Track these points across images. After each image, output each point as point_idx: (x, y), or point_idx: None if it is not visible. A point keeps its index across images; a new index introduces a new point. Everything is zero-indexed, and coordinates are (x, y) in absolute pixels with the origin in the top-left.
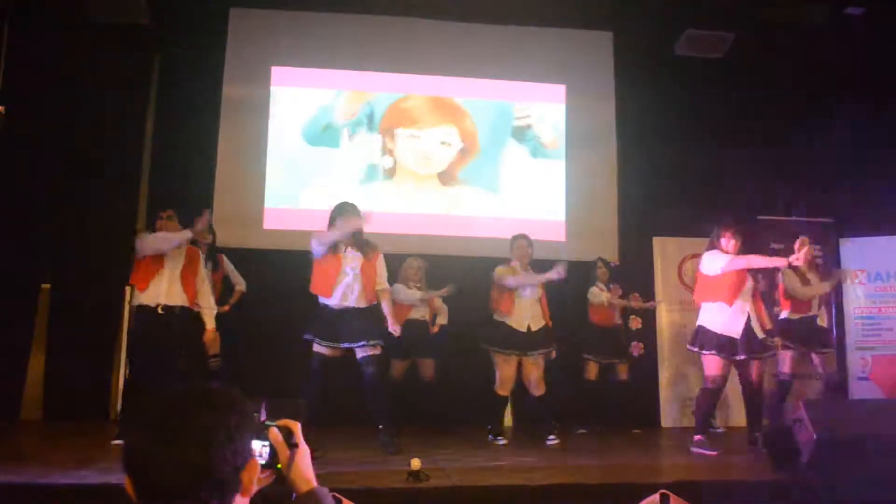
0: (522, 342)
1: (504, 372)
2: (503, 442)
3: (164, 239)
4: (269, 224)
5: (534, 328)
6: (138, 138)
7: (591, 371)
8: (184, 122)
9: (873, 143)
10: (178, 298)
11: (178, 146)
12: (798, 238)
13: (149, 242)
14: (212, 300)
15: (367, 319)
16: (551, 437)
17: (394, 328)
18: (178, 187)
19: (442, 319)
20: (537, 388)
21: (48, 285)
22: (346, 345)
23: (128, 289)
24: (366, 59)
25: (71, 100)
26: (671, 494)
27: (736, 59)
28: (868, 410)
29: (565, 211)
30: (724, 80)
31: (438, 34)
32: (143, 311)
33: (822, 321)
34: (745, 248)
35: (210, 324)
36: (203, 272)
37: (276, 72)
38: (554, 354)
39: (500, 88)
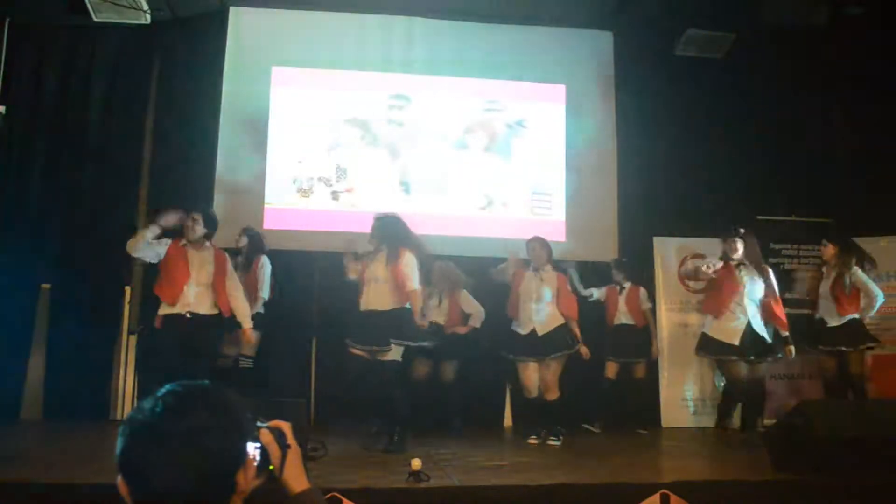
0: (529, 347)
1: (522, 377)
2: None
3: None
4: (269, 224)
5: (541, 332)
6: (138, 138)
7: (610, 371)
8: (184, 122)
9: (873, 143)
10: (205, 306)
11: (178, 146)
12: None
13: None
14: (244, 301)
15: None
16: (552, 438)
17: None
18: (178, 187)
19: (475, 323)
20: (549, 393)
21: (48, 285)
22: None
23: (128, 289)
24: (366, 59)
25: (71, 100)
26: (671, 494)
27: (736, 59)
28: (868, 410)
29: (565, 211)
30: (724, 80)
31: (438, 34)
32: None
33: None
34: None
35: (246, 323)
36: (233, 275)
37: (276, 72)
38: (586, 354)
39: (501, 88)
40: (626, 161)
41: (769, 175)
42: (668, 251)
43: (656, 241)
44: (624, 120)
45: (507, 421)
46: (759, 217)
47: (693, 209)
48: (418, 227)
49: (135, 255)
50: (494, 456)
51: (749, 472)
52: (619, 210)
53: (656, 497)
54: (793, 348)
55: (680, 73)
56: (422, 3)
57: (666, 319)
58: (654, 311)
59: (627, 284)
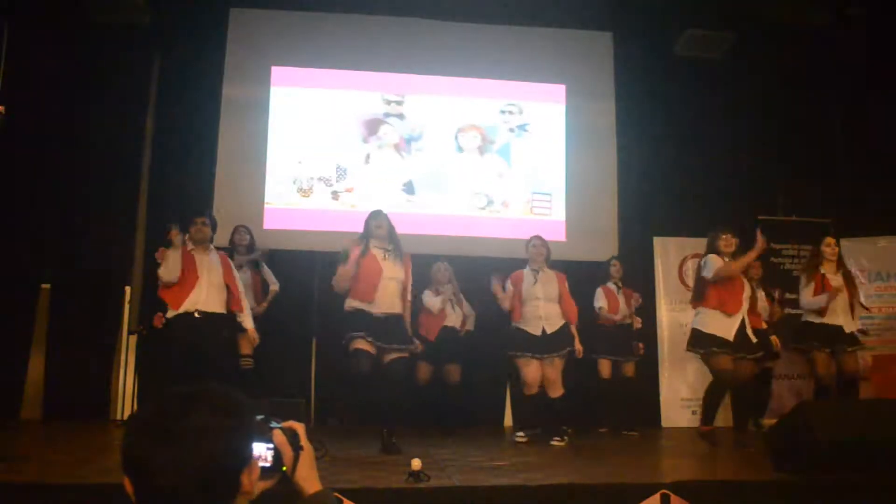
0: (534, 344)
1: (525, 374)
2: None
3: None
4: (269, 224)
5: (549, 331)
6: (138, 138)
7: (604, 369)
8: (184, 122)
9: (873, 143)
10: (216, 305)
11: (178, 146)
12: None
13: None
14: (246, 303)
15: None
16: (556, 438)
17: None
18: (178, 187)
19: (469, 325)
20: (553, 390)
21: (48, 285)
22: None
23: (128, 289)
24: (366, 60)
25: (71, 100)
26: (671, 494)
27: (736, 59)
28: (868, 410)
29: (565, 211)
30: (724, 80)
31: (438, 34)
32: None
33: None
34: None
35: (249, 323)
36: (237, 276)
37: (276, 72)
38: (580, 353)
39: (501, 88)
40: (627, 161)
41: (769, 175)
42: (668, 251)
43: (656, 241)
44: (624, 120)
45: (508, 421)
46: (760, 217)
47: (693, 209)
48: (418, 228)
49: (170, 278)
50: (494, 456)
51: (749, 472)
52: (619, 210)
53: (656, 497)
54: (775, 339)
55: (680, 73)
56: (422, 3)
57: (666, 319)
58: (654, 310)
59: (620, 284)
